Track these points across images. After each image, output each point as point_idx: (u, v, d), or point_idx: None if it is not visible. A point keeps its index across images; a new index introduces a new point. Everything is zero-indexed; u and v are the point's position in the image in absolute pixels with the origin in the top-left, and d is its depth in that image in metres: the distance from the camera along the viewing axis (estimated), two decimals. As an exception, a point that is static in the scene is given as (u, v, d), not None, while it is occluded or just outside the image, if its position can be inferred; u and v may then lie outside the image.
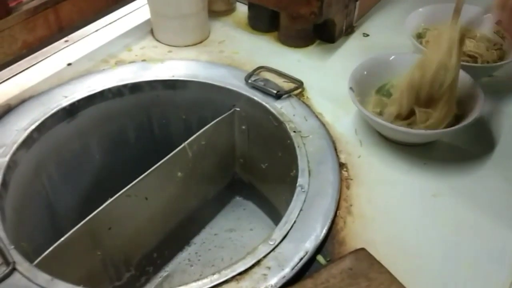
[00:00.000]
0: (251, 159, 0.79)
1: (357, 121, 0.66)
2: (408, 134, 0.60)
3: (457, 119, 0.61)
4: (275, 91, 0.69)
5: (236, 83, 0.71)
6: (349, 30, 0.84)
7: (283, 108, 0.68)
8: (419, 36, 0.75)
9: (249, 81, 0.71)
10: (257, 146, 0.76)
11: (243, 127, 0.74)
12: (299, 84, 0.71)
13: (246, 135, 0.75)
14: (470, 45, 0.71)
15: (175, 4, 0.76)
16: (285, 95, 0.69)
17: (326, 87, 0.72)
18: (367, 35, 0.84)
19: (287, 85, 0.72)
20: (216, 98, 0.72)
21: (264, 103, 0.68)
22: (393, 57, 0.69)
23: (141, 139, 0.79)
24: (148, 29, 0.83)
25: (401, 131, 0.60)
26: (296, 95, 0.70)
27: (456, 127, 0.59)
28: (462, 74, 0.64)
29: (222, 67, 0.75)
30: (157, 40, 0.81)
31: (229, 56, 0.78)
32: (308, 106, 0.68)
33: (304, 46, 0.81)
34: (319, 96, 0.70)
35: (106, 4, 0.76)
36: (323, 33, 0.81)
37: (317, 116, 0.67)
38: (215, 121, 0.71)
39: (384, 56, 0.69)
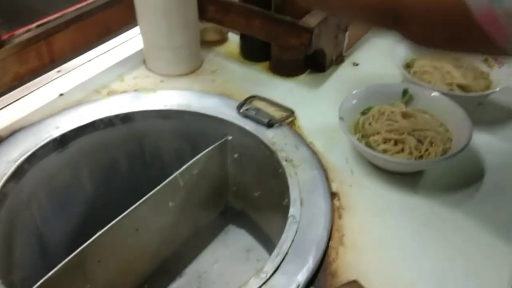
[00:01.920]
0: (243, 187, 0.79)
1: (348, 149, 0.67)
2: (398, 164, 0.61)
3: (447, 148, 0.62)
4: (266, 120, 0.69)
5: (228, 112, 0.72)
6: (339, 60, 0.85)
7: (274, 137, 0.68)
8: (408, 66, 0.77)
9: (241, 110, 0.71)
10: (249, 174, 0.76)
11: (235, 155, 0.74)
12: (290, 113, 0.72)
13: (238, 163, 0.75)
14: (457, 75, 0.72)
15: (167, 35, 0.77)
16: (277, 124, 0.70)
17: (317, 116, 0.72)
18: (357, 65, 0.85)
19: (278, 114, 0.72)
20: (208, 127, 0.73)
21: (256, 132, 0.69)
22: (382, 87, 0.70)
23: (133, 169, 0.79)
24: (141, 59, 0.83)
25: (391, 161, 0.60)
26: (287, 124, 0.71)
27: (445, 156, 0.59)
28: (451, 103, 0.65)
29: (214, 96, 0.76)
30: (150, 70, 0.82)
31: (221, 86, 0.79)
32: (299, 135, 0.69)
33: (295, 75, 0.82)
34: (310, 124, 0.71)
35: (98, 36, 0.77)
36: (313, 63, 0.82)
37: (308, 145, 0.67)
38: (207, 150, 0.71)
39: (373, 86, 0.70)
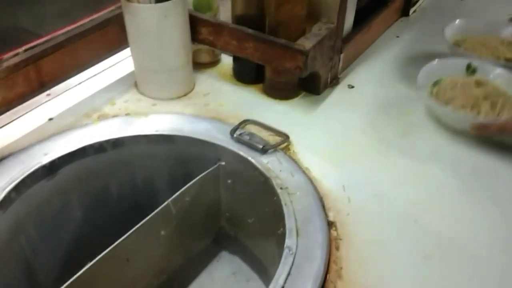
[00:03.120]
0: (237, 214, 0.77)
1: (345, 176, 0.65)
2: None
3: None
4: (260, 146, 0.68)
5: (221, 137, 0.70)
6: (334, 82, 0.84)
7: (269, 163, 0.66)
8: (457, 44, 0.85)
9: (235, 135, 0.70)
10: (243, 200, 0.74)
11: (229, 181, 0.73)
12: (285, 137, 0.71)
13: (231, 189, 0.74)
14: (504, 50, 0.79)
15: (159, 58, 0.75)
16: (271, 150, 0.68)
17: (312, 140, 0.71)
18: (352, 87, 0.84)
19: (273, 139, 0.71)
20: (201, 152, 0.71)
21: (249, 158, 0.67)
22: (447, 61, 0.78)
23: (124, 195, 0.77)
24: (132, 82, 0.82)
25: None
26: (282, 149, 0.69)
27: None
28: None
29: (207, 120, 0.74)
30: (141, 93, 0.80)
31: (214, 109, 0.77)
32: (294, 161, 0.67)
33: (289, 98, 0.80)
34: (306, 149, 0.70)
35: (88, 59, 0.75)
36: (308, 85, 0.81)
37: (304, 171, 0.66)
38: (199, 176, 0.69)
39: (440, 60, 0.78)
